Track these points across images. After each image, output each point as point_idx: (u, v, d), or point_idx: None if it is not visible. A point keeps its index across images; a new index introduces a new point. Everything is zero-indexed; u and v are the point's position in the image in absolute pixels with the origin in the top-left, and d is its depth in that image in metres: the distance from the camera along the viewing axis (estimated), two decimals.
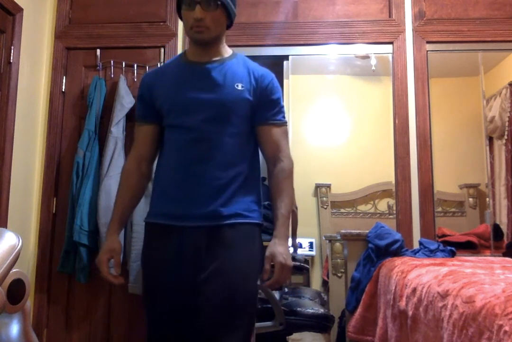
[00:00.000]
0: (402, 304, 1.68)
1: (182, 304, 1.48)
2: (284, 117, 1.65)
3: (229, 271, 1.45)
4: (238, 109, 1.54)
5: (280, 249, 1.47)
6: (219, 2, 1.51)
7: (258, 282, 1.53)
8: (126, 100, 2.61)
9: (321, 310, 2.26)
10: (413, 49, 2.74)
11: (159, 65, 2.73)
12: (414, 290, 1.60)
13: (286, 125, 1.66)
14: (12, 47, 2.50)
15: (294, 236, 2.16)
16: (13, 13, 2.50)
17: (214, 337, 1.42)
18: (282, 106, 1.66)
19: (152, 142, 1.65)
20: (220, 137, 1.52)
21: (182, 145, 1.54)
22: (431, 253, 2.27)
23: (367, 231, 2.38)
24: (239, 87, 1.54)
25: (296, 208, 2.20)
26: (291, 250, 1.57)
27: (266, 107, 1.59)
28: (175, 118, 1.56)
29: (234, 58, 1.62)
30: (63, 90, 2.81)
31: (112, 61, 2.76)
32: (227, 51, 1.64)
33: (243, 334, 1.46)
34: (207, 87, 1.54)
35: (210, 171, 1.51)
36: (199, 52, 1.59)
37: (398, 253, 2.28)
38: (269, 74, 1.63)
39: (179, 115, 1.55)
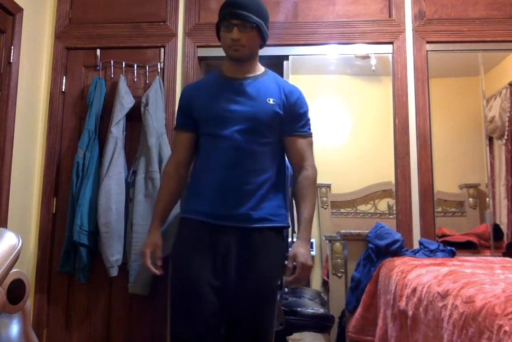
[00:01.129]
0: (402, 304, 1.69)
1: (210, 286, 1.65)
2: (309, 129, 1.83)
3: (255, 273, 1.65)
4: (269, 121, 1.71)
5: (302, 250, 1.67)
6: (254, 25, 1.70)
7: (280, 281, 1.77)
8: (126, 100, 2.61)
9: (321, 310, 2.26)
10: (413, 49, 2.74)
11: (159, 66, 2.74)
12: (414, 290, 1.60)
13: (311, 137, 1.83)
14: (12, 47, 2.50)
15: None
16: (13, 13, 2.50)
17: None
18: (308, 119, 1.84)
19: (190, 148, 1.84)
20: (252, 146, 1.70)
21: (218, 152, 1.70)
22: (431, 253, 2.27)
23: (367, 231, 2.38)
24: (271, 102, 1.72)
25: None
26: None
27: (293, 120, 1.77)
28: (213, 128, 1.73)
29: (266, 75, 1.81)
30: (63, 90, 2.81)
31: (112, 61, 2.76)
32: (260, 69, 1.82)
33: (271, 319, 1.70)
34: (242, 100, 1.72)
35: (243, 176, 1.68)
36: (234, 69, 1.78)
37: (398, 253, 2.28)
38: (297, 90, 1.82)
39: (216, 126, 1.72)
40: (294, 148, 1.79)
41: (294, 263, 1.67)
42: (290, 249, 1.75)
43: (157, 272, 1.75)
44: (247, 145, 1.69)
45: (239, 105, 1.71)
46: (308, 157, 1.80)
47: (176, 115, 1.93)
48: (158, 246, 1.78)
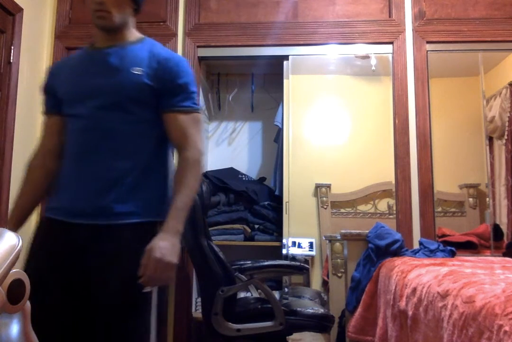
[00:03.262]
0: (402, 304, 1.68)
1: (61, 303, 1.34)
2: (194, 103, 1.49)
3: (112, 283, 1.32)
4: (135, 95, 1.43)
5: (160, 243, 1.31)
6: None
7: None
8: None
9: (321, 310, 2.26)
10: (413, 49, 2.74)
11: None
12: (414, 290, 1.60)
13: (197, 113, 1.49)
14: (12, 47, 2.50)
15: None
16: (13, 13, 2.50)
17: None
18: (192, 92, 1.49)
19: (57, 135, 1.53)
20: (114, 126, 1.42)
21: (75, 135, 1.45)
22: (431, 253, 2.27)
23: (367, 231, 2.38)
24: (137, 72, 1.43)
25: None
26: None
27: (170, 93, 1.45)
28: (70, 107, 1.48)
29: (140, 43, 1.51)
30: None
31: None
32: (134, 37, 1.52)
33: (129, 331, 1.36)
34: (102, 72, 1.45)
35: (102, 162, 1.40)
36: (103, 38, 1.49)
37: (398, 253, 2.28)
38: (175, 58, 1.50)
39: (73, 104, 1.46)
40: (174, 126, 1.45)
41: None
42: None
43: None
44: (107, 125, 1.41)
45: (98, 78, 1.44)
46: (190, 136, 1.44)
47: (43, 100, 1.65)
48: None
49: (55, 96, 1.53)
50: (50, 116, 1.57)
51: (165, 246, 1.31)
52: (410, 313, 1.58)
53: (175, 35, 2.81)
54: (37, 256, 1.40)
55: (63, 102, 1.51)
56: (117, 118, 1.42)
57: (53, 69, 1.60)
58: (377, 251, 2.27)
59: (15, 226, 1.50)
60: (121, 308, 1.33)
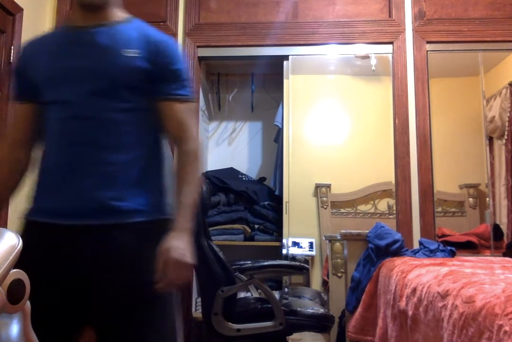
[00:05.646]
0: (402, 304, 1.68)
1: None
2: (189, 92, 1.37)
3: (117, 290, 1.21)
4: (128, 79, 1.28)
5: (176, 243, 1.21)
6: None
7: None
8: None
9: (321, 310, 2.26)
10: (413, 49, 2.75)
11: None
12: (414, 290, 1.60)
13: (192, 102, 1.39)
14: (12, 47, 2.50)
15: None
16: (13, 13, 2.50)
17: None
18: (187, 80, 1.38)
19: (30, 124, 1.36)
20: (106, 114, 1.27)
21: (59, 124, 1.28)
22: (431, 253, 2.27)
23: (367, 231, 2.38)
24: (129, 54, 1.29)
25: None
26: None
27: (165, 79, 1.33)
28: (51, 92, 1.30)
29: (129, 23, 1.38)
30: None
31: None
32: (120, 16, 1.39)
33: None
34: (90, 53, 1.29)
35: (95, 155, 1.25)
36: (84, 17, 1.32)
37: (398, 253, 2.28)
38: (169, 41, 1.37)
39: (56, 88, 1.29)
40: (170, 116, 1.33)
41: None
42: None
43: None
44: (98, 113, 1.26)
45: (85, 59, 1.28)
46: (188, 128, 1.33)
47: (12, 84, 1.46)
48: None
49: (28, 81, 1.35)
50: (21, 103, 1.38)
51: (181, 245, 1.22)
52: (410, 313, 1.58)
53: (175, 35, 2.81)
54: (29, 266, 1.20)
55: (40, 87, 1.32)
56: (110, 106, 1.27)
57: (25, 50, 1.40)
58: (377, 251, 2.27)
59: None
60: (140, 317, 1.22)
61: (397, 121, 2.70)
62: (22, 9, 2.56)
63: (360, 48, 2.82)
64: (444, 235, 2.65)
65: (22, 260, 1.18)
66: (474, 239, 2.65)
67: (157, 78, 1.31)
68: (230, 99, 3.56)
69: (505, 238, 2.70)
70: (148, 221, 1.27)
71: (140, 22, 1.41)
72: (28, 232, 1.29)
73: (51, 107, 1.31)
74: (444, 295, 1.33)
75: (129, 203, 1.25)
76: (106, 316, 1.23)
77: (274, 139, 3.42)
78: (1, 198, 1.41)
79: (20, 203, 2.14)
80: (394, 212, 2.71)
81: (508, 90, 2.84)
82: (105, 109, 1.27)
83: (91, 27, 1.32)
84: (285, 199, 2.88)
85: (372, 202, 2.94)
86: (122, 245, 1.23)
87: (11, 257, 1.39)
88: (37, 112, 1.35)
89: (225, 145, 3.61)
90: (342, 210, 3.01)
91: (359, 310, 2.21)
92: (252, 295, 2.56)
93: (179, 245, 1.21)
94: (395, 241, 2.29)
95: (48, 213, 1.26)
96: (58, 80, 1.29)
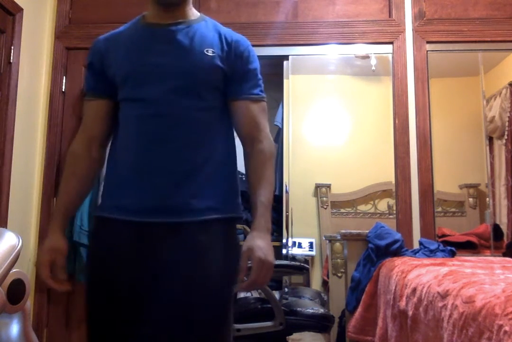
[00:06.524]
0: (402, 304, 1.68)
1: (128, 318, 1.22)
2: (262, 91, 1.38)
3: (201, 284, 1.21)
4: (208, 78, 1.30)
5: (259, 242, 1.20)
6: None
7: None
8: None
9: (321, 310, 2.26)
10: (413, 49, 2.75)
11: None
12: (414, 290, 1.60)
13: (265, 101, 1.39)
14: (12, 47, 2.50)
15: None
16: (13, 13, 2.50)
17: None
18: (260, 79, 1.39)
19: (105, 121, 1.37)
20: (186, 113, 1.28)
21: (139, 122, 1.28)
22: (431, 253, 2.27)
23: (367, 231, 2.38)
24: (210, 53, 1.29)
25: None
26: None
27: (241, 78, 1.34)
28: (132, 89, 1.30)
29: (203, 21, 1.37)
30: (63, 90, 2.81)
31: None
32: (195, 14, 1.39)
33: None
34: (171, 51, 1.29)
35: (176, 153, 1.26)
36: (161, 14, 1.34)
37: (398, 253, 2.28)
38: (245, 40, 1.38)
39: (137, 86, 1.29)
40: (244, 115, 1.33)
41: (249, 262, 1.20)
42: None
43: (59, 287, 1.26)
44: (178, 111, 1.27)
45: (167, 57, 1.29)
46: (262, 127, 1.34)
47: (85, 79, 1.45)
48: (61, 251, 1.29)
49: (103, 77, 1.34)
50: (94, 99, 1.37)
51: (264, 245, 1.20)
52: (410, 313, 1.58)
53: None
54: (106, 263, 1.27)
55: (120, 83, 1.32)
56: (190, 105, 1.28)
57: (100, 44, 1.39)
58: (377, 251, 2.27)
59: (62, 225, 1.33)
60: (216, 312, 1.22)
61: (397, 121, 2.70)
62: (22, 9, 2.56)
63: (360, 48, 2.82)
64: (444, 235, 2.65)
65: (99, 257, 1.30)
66: (474, 239, 2.65)
67: (233, 77, 1.33)
68: None
69: (505, 238, 2.70)
70: (225, 218, 1.28)
71: (214, 21, 1.41)
72: (104, 228, 1.31)
73: (128, 104, 1.31)
74: (444, 295, 1.33)
75: (206, 200, 1.26)
76: (172, 311, 1.21)
77: (274, 139, 3.42)
78: (79, 198, 1.41)
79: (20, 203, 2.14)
80: (394, 212, 2.71)
81: (508, 90, 2.84)
82: (185, 108, 1.28)
83: (169, 25, 1.33)
84: (285, 199, 2.88)
85: (372, 202, 2.94)
86: (198, 242, 1.23)
87: (11, 257, 1.39)
88: (111, 110, 1.36)
89: None
90: (342, 210, 3.00)
91: (359, 310, 2.21)
92: (252, 295, 2.56)
93: (262, 245, 1.20)
94: (395, 241, 2.29)
95: (126, 210, 1.26)
96: (140, 77, 1.29)
